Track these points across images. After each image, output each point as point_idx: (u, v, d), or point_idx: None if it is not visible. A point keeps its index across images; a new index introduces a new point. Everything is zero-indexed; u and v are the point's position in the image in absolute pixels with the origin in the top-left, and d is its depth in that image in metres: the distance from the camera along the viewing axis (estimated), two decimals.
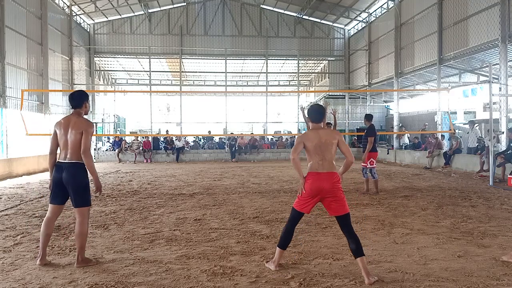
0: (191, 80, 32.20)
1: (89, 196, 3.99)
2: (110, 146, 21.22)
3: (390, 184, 10.02)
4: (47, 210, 6.69)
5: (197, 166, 16.64)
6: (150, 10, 24.02)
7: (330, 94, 25.41)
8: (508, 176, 9.73)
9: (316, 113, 3.79)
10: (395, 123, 19.48)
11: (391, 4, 19.76)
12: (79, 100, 4.08)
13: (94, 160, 19.48)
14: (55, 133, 4.03)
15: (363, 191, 8.48)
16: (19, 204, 7.35)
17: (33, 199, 7.92)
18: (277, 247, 3.79)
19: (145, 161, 19.29)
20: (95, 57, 24.63)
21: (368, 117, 8.49)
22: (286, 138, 23.67)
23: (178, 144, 20.22)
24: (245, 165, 17.08)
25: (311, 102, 28.90)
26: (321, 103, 25.70)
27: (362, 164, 8.46)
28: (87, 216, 3.99)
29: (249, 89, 31.74)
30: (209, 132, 22.43)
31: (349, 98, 24.32)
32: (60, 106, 19.90)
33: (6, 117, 14.28)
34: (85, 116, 4.15)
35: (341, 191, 3.64)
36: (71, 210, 6.75)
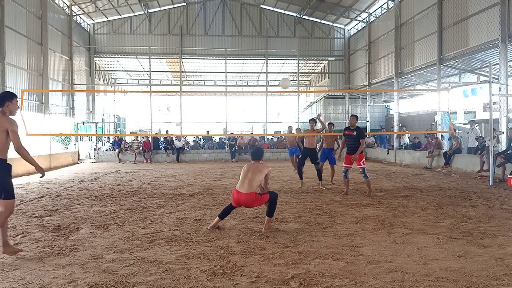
0: (191, 80, 32.20)
1: (10, 189, 4.21)
2: (110, 146, 21.20)
3: (390, 184, 10.02)
4: (47, 210, 6.74)
5: (197, 166, 16.64)
6: (150, 10, 24.02)
7: (330, 94, 25.42)
8: (508, 176, 9.73)
9: (254, 155, 5.45)
10: (395, 123, 19.47)
11: (391, 4, 19.76)
12: (0, 100, 4.35)
13: (94, 160, 19.58)
14: None
15: (343, 192, 8.35)
16: (19, 204, 7.35)
17: (33, 199, 7.93)
18: (218, 216, 5.36)
19: (145, 161, 19.29)
20: (95, 57, 24.62)
21: (356, 117, 8.36)
22: (286, 138, 23.62)
23: (178, 144, 20.22)
24: None
25: (311, 102, 28.94)
26: (321, 102, 25.74)
27: (345, 165, 8.23)
28: (9, 208, 4.17)
29: (249, 89, 31.73)
30: (208, 132, 22.43)
31: (349, 98, 24.33)
32: (60, 106, 19.91)
33: None
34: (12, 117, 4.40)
35: (258, 201, 5.13)
36: (71, 210, 6.76)
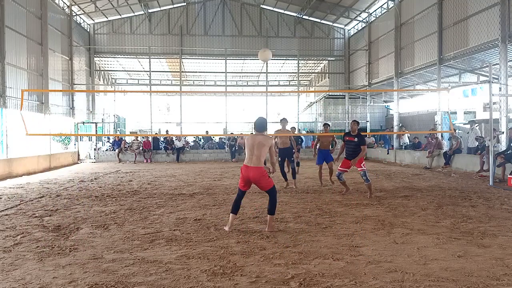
0: (191, 80, 32.21)
1: None
2: (110, 146, 21.20)
3: (390, 184, 10.02)
4: (47, 210, 6.75)
5: (197, 166, 16.64)
6: (150, 10, 24.03)
7: (330, 94, 25.41)
8: (508, 176, 9.73)
9: (259, 125, 5.40)
10: (395, 123, 19.47)
11: (391, 4, 19.76)
12: None
13: (94, 160, 19.59)
14: None
15: (343, 192, 8.35)
16: (19, 204, 7.35)
17: (33, 199, 7.93)
18: (231, 213, 5.28)
19: (145, 161, 19.29)
20: (95, 57, 24.63)
21: (358, 123, 8.15)
22: None
23: (178, 144, 20.22)
24: None
25: (311, 102, 28.92)
26: (321, 102, 25.72)
27: (340, 169, 8.09)
28: None
29: (249, 89, 31.74)
30: (207, 132, 22.42)
31: (349, 98, 24.33)
32: (60, 106, 19.91)
33: (6, 117, 14.28)
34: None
35: (265, 178, 5.16)
36: (71, 210, 6.76)
